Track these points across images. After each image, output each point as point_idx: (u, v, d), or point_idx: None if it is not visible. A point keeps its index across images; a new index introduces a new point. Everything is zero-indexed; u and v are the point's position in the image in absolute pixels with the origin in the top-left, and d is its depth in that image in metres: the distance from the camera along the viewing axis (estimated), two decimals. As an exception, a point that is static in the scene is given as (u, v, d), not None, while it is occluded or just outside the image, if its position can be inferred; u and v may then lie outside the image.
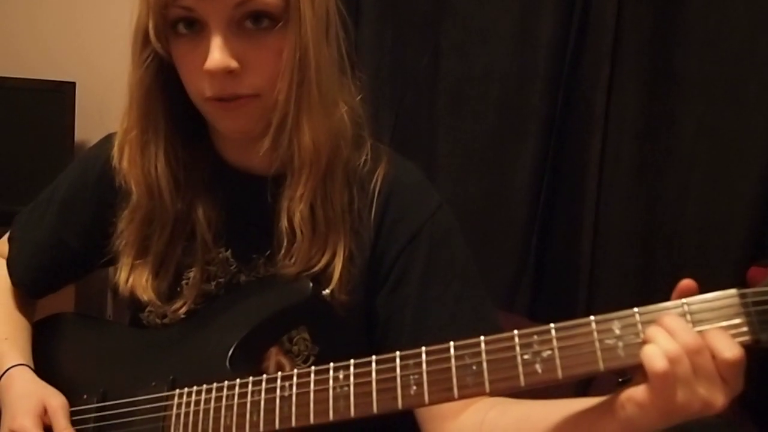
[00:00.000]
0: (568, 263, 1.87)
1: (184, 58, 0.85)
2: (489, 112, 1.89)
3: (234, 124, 0.87)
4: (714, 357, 0.62)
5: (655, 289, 1.82)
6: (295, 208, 0.87)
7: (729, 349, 0.62)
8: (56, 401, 0.92)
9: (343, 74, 0.91)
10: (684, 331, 0.63)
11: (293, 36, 0.83)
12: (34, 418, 0.90)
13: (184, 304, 0.94)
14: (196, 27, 0.83)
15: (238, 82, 0.83)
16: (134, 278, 0.93)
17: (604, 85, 1.79)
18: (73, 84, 2.10)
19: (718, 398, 0.63)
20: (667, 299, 0.66)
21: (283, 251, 0.89)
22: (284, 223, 0.88)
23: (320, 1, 0.85)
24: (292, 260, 0.88)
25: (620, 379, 0.67)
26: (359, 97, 0.93)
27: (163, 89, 0.88)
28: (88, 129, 2.09)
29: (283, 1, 0.82)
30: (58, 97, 2.09)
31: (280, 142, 0.86)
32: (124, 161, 0.92)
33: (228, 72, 0.82)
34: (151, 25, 0.84)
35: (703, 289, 0.66)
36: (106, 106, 1.97)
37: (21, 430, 0.89)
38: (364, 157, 0.93)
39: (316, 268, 0.88)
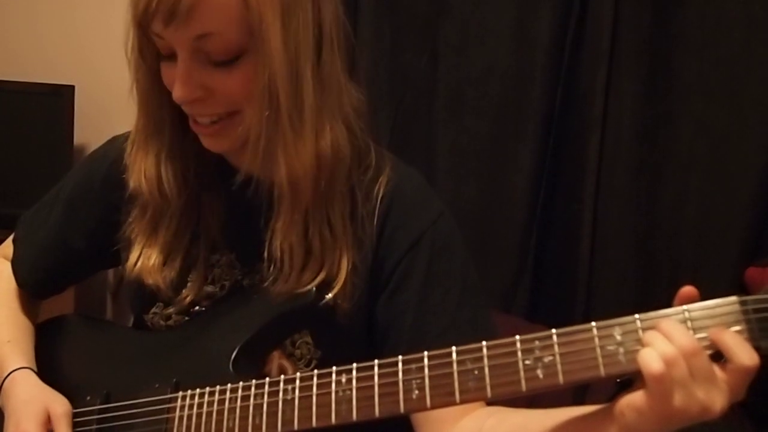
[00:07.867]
0: (566, 264, 1.87)
1: (166, 79, 0.86)
2: (487, 112, 1.89)
3: (213, 145, 0.88)
4: (730, 361, 0.63)
5: (653, 290, 1.82)
6: (282, 240, 0.87)
7: (750, 359, 0.62)
8: (60, 408, 0.92)
9: (344, 88, 0.88)
10: (680, 334, 0.63)
11: (261, 66, 0.80)
12: (37, 424, 0.90)
13: (189, 295, 0.94)
14: (172, 52, 0.83)
15: (208, 105, 0.84)
16: (143, 261, 0.93)
17: (602, 85, 1.79)
18: (72, 87, 2.10)
19: (716, 401, 0.63)
20: (666, 301, 0.67)
21: (271, 277, 0.89)
22: (275, 250, 0.87)
23: (296, 26, 0.81)
24: (277, 286, 0.88)
25: (618, 380, 0.68)
26: (361, 104, 0.93)
27: (164, 88, 0.88)
28: (87, 132, 2.09)
29: (245, 32, 0.80)
30: (57, 100, 2.09)
31: (255, 172, 0.88)
32: (133, 155, 0.93)
33: (195, 99, 0.83)
34: (135, 42, 0.85)
35: (700, 290, 0.66)
36: (105, 109, 2.01)
37: None
38: (367, 165, 0.93)
39: (309, 287, 0.88)
